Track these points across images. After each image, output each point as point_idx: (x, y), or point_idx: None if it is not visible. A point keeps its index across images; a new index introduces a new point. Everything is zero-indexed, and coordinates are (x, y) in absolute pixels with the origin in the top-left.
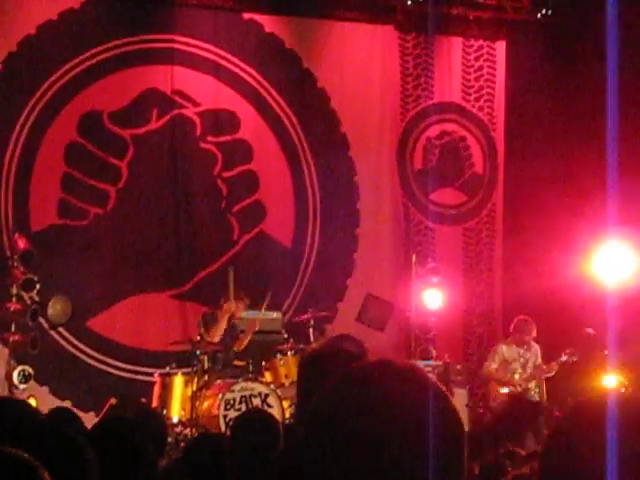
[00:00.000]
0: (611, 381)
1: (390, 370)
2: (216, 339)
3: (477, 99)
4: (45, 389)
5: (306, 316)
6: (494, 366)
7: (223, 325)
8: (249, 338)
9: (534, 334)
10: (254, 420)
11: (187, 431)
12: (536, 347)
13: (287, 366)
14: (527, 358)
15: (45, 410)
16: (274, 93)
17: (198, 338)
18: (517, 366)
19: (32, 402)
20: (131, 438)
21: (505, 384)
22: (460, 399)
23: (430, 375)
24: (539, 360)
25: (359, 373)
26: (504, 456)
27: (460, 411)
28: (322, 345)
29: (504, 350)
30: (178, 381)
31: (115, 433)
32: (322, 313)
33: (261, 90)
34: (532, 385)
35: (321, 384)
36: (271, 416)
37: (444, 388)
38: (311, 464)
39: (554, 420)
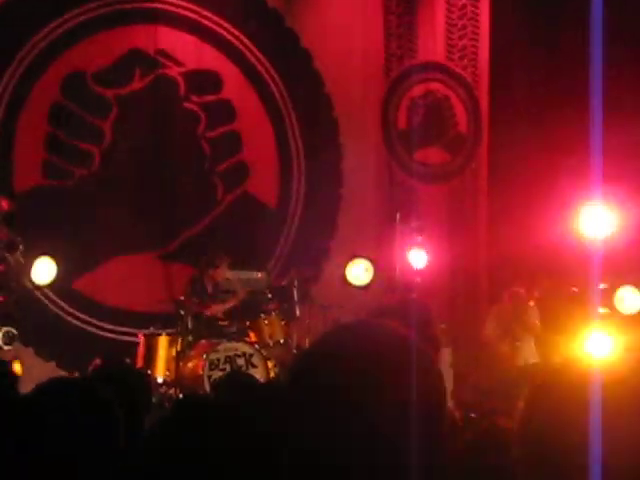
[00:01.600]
0: (597, 342)
1: (372, 327)
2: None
3: (461, 58)
4: (30, 350)
5: (290, 276)
6: (493, 327)
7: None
8: (229, 306)
9: (526, 304)
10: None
11: (172, 391)
12: (534, 309)
13: (271, 326)
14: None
15: (32, 370)
16: (257, 53)
17: (182, 298)
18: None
19: (17, 364)
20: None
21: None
22: (444, 358)
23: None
24: (537, 321)
25: (342, 330)
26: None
27: (444, 370)
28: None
29: (502, 313)
30: (162, 341)
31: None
32: (305, 274)
33: (244, 50)
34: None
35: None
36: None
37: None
38: (293, 419)
39: (539, 378)
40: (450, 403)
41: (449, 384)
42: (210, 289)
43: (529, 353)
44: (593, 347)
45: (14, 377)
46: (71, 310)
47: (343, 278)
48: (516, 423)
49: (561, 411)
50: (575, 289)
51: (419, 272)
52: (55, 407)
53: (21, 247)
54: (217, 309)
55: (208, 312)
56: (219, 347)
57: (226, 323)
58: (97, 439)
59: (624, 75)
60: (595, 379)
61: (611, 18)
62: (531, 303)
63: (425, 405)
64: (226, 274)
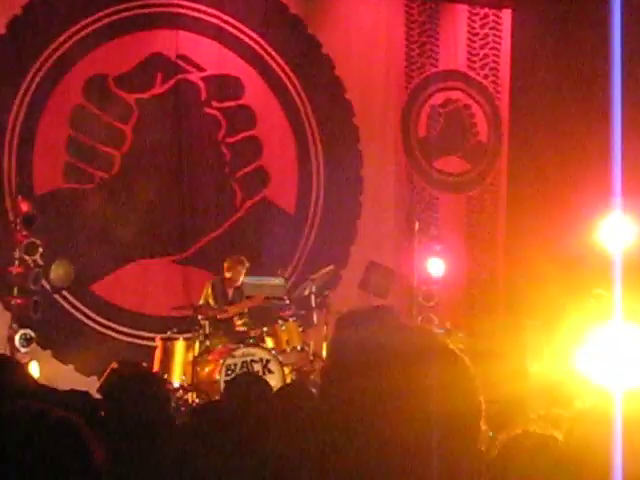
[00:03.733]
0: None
1: (412, 330)
2: (229, 314)
3: (482, 67)
4: (48, 353)
5: (308, 282)
6: None
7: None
8: (244, 309)
9: None
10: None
11: (188, 396)
12: None
13: (288, 332)
14: None
15: (49, 373)
16: (278, 59)
17: (200, 303)
18: None
19: (34, 365)
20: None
21: None
22: None
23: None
24: None
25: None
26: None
27: None
28: (358, 309)
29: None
30: (179, 346)
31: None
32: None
33: (265, 56)
34: None
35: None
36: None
37: (466, 360)
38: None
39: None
40: None
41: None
42: (230, 294)
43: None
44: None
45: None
46: (89, 313)
47: (361, 285)
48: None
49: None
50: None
51: (437, 281)
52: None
53: (40, 249)
54: (233, 311)
55: (224, 315)
56: (236, 352)
57: (244, 329)
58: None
59: None
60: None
61: (633, 28)
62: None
63: (461, 419)
64: (245, 279)
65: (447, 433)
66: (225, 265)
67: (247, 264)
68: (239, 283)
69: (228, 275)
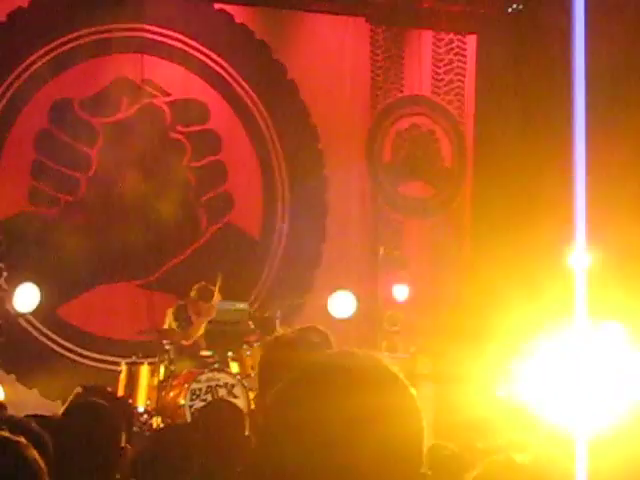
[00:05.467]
0: None
1: (350, 363)
2: (192, 340)
3: (447, 92)
4: (12, 377)
5: (272, 307)
6: None
7: (200, 328)
8: (203, 325)
9: None
10: (217, 408)
11: (153, 420)
12: None
13: (253, 357)
14: None
15: (14, 397)
16: (244, 84)
17: (165, 327)
18: None
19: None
20: (99, 424)
21: None
22: (426, 392)
23: (394, 367)
24: None
25: (318, 366)
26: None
27: (427, 405)
28: (287, 333)
29: None
30: (144, 370)
31: (83, 419)
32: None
33: (231, 81)
34: None
35: (282, 372)
36: (234, 405)
37: (407, 382)
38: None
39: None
40: (432, 439)
41: (431, 419)
42: (194, 319)
43: None
44: None
45: None
46: (54, 337)
47: (326, 310)
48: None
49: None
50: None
51: (402, 305)
52: None
53: (5, 274)
54: (195, 333)
55: (188, 341)
56: (201, 377)
57: (208, 353)
58: None
59: (609, 114)
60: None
61: (598, 54)
62: None
63: (403, 443)
64: (211, 305)
65: (387, 459)
66: (192, 292)
67: (215, 292)
68: (205, 309)
69: (198, 302)
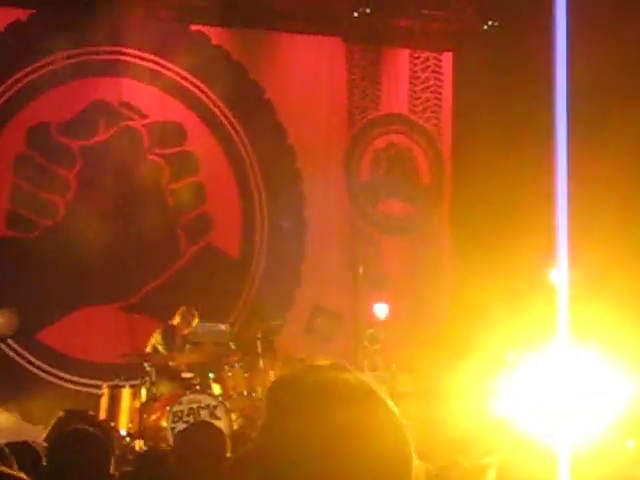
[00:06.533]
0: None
1: (337, 375)
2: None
3: (424, 110)
4: None
5: (253, 327)
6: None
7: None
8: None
9: None
10: (198, 431)
11: (135, 443)
12: None
13: (235, 378)
14: None
15: None
16: (221, 105)
17: (148, 350)
18: None
19: None
20: (89, 451)
21: None
22: (408, 409)
23: (377, 387)
24: None
25: (308, 375)
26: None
27: (408, 419)
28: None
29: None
30: (126, 393)
31: (67, 446)
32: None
33: (208, 102)
34: None
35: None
36: (216, 427)
37: (389, 401)
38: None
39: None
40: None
41: (413, 437)
42: (178, 341)
43: None
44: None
45: None
46: (35, 361)
47: (307, 329)
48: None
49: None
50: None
51: (382, 323)
52: None
53: None
54: (182, 360)
55: (173, 363)
56: (183, 399)
57: (190, 375)
58: None
59: (591, 130)
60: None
61: (576, 70)
62: None
63: (391, 460)
64: (191, 326)
65: (376, 476)
66: (177, 314)
67: (196, 316)
68: (187, 332)
69: (177, 323)
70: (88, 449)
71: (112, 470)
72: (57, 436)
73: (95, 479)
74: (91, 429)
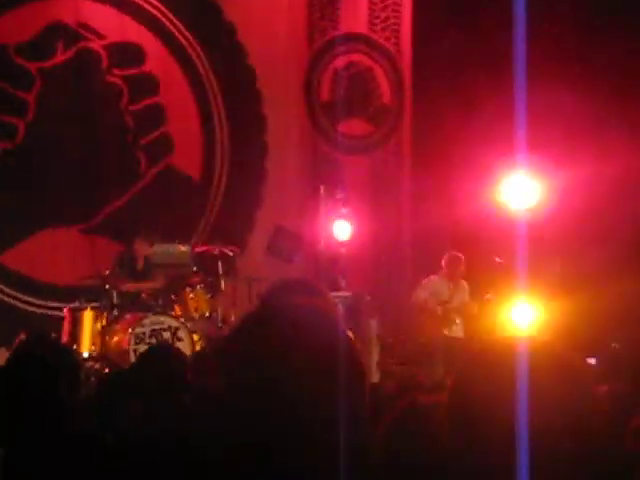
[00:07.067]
0: (522, 312)
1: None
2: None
3: (384, 29)
4: None
5: (213, 249)
6: (424, 296)
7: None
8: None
9: (463, 270)
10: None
11: (97, 366)
12: (464, 284)
13: (196, 299)
14: (455, 293)
15: None
16: (180, 26)
17: (107, 273)
18: (445, 299)
19: None
20: (45, 372)
21: (431, 316)
22: (371, 329)
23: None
24: (467, 297)
25: (273, 304)
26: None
27: (371, 342)
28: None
29: (436, 282)
30: (87, 316)
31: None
32: (229, 248)
33: (167, 23)
34: (458, 320)
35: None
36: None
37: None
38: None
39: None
40: (377, 374)
41: (375, 355)
42: (139, 266)
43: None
44: (518, 317)
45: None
46: None
47: (268, 250)
48: (446, 396)
49: (490, 383)
50: (499, 259)
51: (343, 243)
52: None
53: None
54: (142, 287)
55: (132, 289)
56: (145, 321)
57: (151, 297)
58: None
59: (547, 41)
60: (521, 351)
61: None
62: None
63: (347, 382)
64: (151, 248)
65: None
66: (136, 235)
67: (154, 233)
68: (147, 253)
69: (136, 245)
70: (35, 374)
71: (63, 392)
72: (9, 360)
73: (45, 399)
74: (38, 352)
